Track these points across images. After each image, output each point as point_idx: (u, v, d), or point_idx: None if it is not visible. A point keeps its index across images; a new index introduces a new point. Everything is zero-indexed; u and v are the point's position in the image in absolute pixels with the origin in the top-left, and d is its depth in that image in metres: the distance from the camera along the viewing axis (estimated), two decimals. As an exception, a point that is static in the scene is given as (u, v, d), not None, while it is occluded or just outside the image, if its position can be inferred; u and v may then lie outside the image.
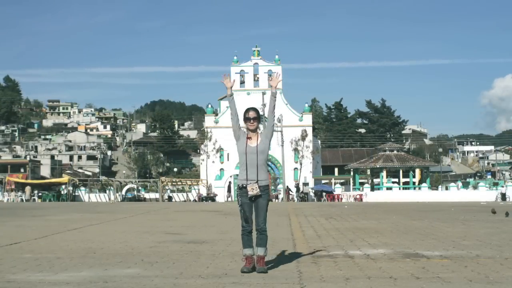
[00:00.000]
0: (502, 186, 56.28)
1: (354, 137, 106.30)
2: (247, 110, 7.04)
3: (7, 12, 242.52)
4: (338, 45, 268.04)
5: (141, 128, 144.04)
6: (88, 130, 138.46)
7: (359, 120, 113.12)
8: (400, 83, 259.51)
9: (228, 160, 63.44)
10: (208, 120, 65.75)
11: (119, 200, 53.86)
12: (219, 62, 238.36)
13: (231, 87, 7.20)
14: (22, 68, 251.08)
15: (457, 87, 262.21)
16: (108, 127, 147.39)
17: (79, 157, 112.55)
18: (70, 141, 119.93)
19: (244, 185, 6.82)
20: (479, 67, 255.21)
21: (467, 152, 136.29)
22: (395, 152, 60.34)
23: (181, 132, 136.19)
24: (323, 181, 64.92)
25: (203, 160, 64.97)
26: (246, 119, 6.95)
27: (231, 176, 59.78)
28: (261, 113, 54.62)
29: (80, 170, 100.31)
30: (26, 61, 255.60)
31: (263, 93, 60.65)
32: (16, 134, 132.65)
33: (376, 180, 63.50)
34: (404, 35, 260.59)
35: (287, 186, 57.29)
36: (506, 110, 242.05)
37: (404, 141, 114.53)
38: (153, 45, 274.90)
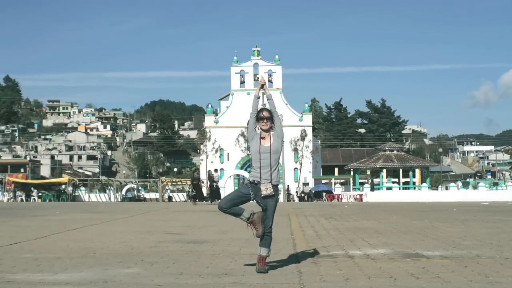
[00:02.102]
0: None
1: (354, 137, 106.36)
2: (261, 110, 7.05)
3: (37, 19, 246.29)
4: (341, 49, 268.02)
5: (141, 128, 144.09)
6: (88, 130, 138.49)
7: (359, 120, 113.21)
8: (400, 84, 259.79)
9: (228, 160, 63.46)
10: (208, 120, 65.76)
11: (119, 200, 53.85)
12: (224, 65, 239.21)
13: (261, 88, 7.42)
14: (37, 73, 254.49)
15: (457, 88, 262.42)
16: (108, 127, 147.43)
17: (79, 157, 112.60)
18: (70, 141, 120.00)
19: (256, 182, 6.79)
20: (481, 71, 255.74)
21: (467, 152, 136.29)
22: (395, 152, 60.34)
23: (181, 132, 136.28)
24: (323, 181, 64.95)
25: (202, 160, 64.97)
26: (260, 119, 6.95)
27: (230, 177, 59.78)
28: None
29: (80, 170, 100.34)
30: (43, 65, 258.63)
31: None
32: (16, 134, 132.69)
33: (376, 180, 63.51)
34: (408, 41, 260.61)
35: (288, 186, 57.34)
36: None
37: (404, 141, 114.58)
38: (162, 51, 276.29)
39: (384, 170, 59.28)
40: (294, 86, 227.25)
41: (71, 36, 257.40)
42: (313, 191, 58.18)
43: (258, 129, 6.98)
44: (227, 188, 60.30)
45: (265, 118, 6.94)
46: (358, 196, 52.74)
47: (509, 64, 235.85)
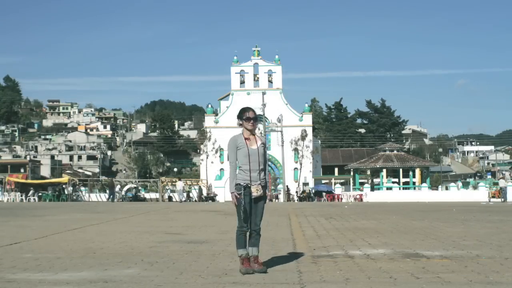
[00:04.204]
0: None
1: (354, 137, 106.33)
2: (247, 110, 6.97)
3: (68, 26, 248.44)
4: (344, 53, 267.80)
5: (141, 128, 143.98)
6: (88, 130, 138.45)
7: (359, 120, 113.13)
8: (400, 85, 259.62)
9: (228, 160, 63.46)
10: (208, 120, 65.77)
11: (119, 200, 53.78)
12: (224, 66, 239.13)
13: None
14: (41, 77, 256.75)
15: (458, 90, 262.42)
16: (108, 127, 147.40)
17: (79, 157, 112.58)
18: (70, 141, 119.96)
19: (248, 185, 6.78)
20: (482, 75, 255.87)
21: (467, 152, 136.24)
22: (395, 152, 60.31)
23: (181, 132, 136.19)
24: (323, 181, 64.91)
25: (202, 160, 64.99)
26: (247, 119, 6.90)
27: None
28: (260, 112, 53.79)
29: (80, 170, 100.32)
30: (48, 70, 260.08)
31: (263, 93, 60.69)
32: (16, 134, 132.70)
33: (376, 180, 63.47)
34: (411, 45, 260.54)
35: (287, 186, 57.31)
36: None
37: (404, 141, 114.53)
38: (165, 56, 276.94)
39: (384, 170, 59.27)
40: (294, 86, 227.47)
41: (76, 43, 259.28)
42: (313, 190, 58.17)
43: (243, 135, 6.95)
44: (226, 188, 60.32)
45: (251, 118, 6.92)
46: (358, 196, 52.73)
47: (507, 69, 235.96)
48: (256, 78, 65.32)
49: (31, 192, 52.01)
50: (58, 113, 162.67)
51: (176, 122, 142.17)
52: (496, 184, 62.50)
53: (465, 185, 66.57)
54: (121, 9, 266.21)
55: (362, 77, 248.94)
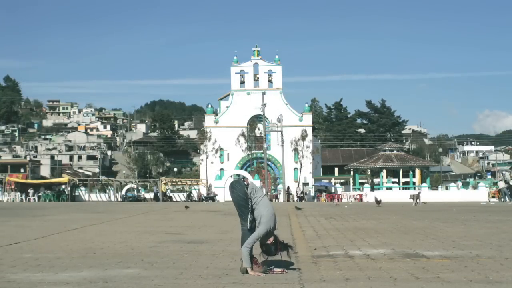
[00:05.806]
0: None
1: (354, 137, 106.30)
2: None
3: (83, 32, 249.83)
4: (346, 56, 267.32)
5: (141, 128, 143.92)
6: (88, 130, 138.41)
7: (359, 120, 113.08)
8: (401, 86, 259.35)
9: (228, 160, 63.43)
10: (208, 120, 65.75)
11: (119, 200, 53.77)
12: (225, 65, 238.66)
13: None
14: (61, 80, 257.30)
15: (459, 91, 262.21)
16: (108, 127, 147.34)
17: (79, 157, 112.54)
18: (70, 141, 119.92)
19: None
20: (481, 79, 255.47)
21: (467, 152, 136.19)
22: (395, 152, 60.30)
23: (181, 132, 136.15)
24: (323, 181, 64.90)
25: (202, 160, 64.97)
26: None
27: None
28: (260, 112, 53.42)
29: (80, 170, 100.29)
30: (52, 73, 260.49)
31: (263, 93, 60.70)
32: (16, 134, 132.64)
33: (376, 180, 63.44)
34: (413, 48, 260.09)
35: (288, 187, 57.32)
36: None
37: (404, 141, 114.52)
38: (165, 58, 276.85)
39: (384, 170, 59.25)
40: (294, 88, 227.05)
41: (76, 47, 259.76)
42: (312, 190, 58.14)
43: (262, 188, 7.00)
44: (226, 188, 60.25)
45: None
46: (358, 196, 52.72)
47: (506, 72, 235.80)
48: (256, 78, 65.29)
49: (31, 192, 52.03)
50: (58, 113, 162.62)
51: (176, 122, 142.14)
52: (496, 184, 62.58)
53: (465, 185, 66.53)
54: (121, 13, 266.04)
55: (363, 80, 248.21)
